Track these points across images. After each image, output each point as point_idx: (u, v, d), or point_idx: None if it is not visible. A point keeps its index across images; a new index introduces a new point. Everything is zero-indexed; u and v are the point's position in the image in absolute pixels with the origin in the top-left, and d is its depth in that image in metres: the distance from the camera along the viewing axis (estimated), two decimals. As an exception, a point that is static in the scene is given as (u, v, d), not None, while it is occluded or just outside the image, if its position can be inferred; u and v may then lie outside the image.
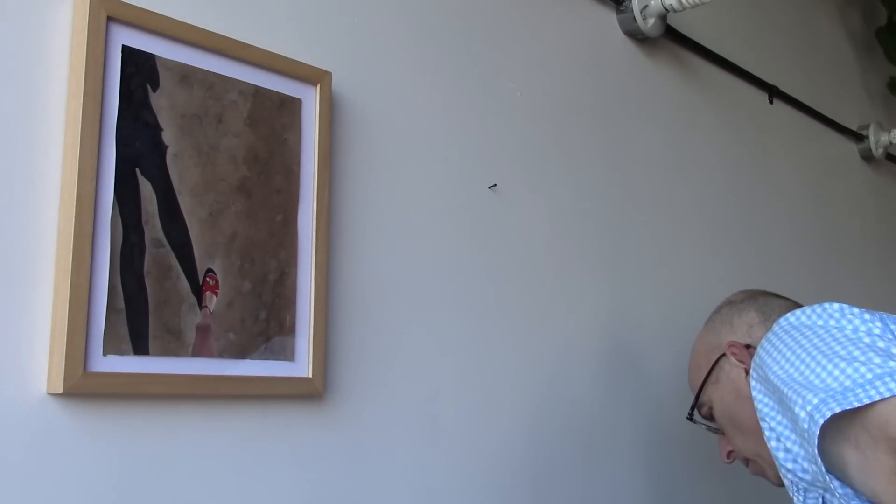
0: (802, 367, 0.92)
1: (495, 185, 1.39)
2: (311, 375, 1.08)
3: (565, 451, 1.46)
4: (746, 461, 1.23)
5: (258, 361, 1.03)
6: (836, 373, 0.88)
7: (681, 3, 1.66)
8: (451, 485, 1.26)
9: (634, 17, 1.69)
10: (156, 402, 0.95)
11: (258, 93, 1.07)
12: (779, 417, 0.97)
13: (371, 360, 1.18)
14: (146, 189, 0.95)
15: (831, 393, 0.87)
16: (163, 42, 0.98)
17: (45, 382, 0.87)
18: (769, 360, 0.98)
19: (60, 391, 0.86)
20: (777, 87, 2.21)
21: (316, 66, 1.13)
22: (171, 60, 0.99)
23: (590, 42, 1.65)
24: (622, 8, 1.69)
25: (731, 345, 1.22)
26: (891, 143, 2.61)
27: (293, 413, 1.08)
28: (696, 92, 1.93)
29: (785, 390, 0.93)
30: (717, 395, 1.23)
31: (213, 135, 1.02)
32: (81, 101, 0.90)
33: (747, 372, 1.17)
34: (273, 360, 1.05)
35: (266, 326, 1.05)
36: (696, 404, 1.26)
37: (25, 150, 0.88)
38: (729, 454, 1.24)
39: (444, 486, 1.25)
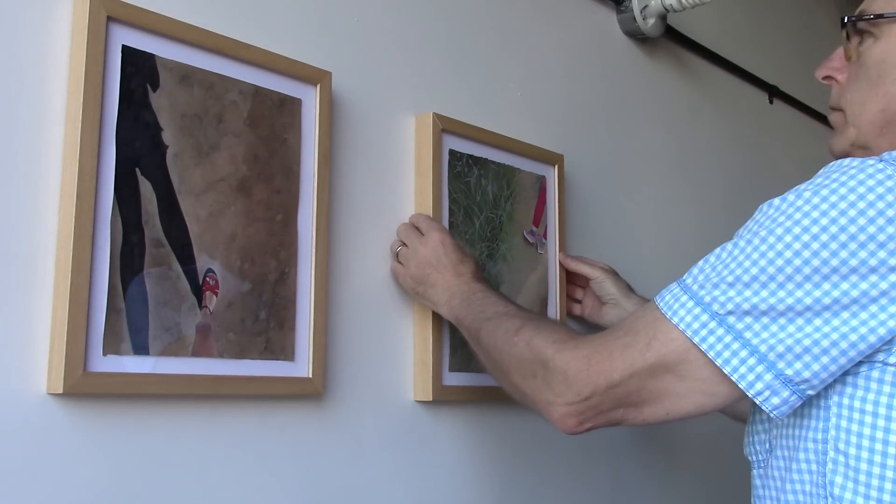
0: None
1: None
2: (311, 375, 1.08)
3: (566, 452, 1.46)
4: (833, 109, 1.06)
5: (258, 361, 1.03)
6: None
7: (681, 3, 1.66)
8: (450, 485, 1.26)
9: (634, 17, 1.69)
10: (156, 402, 0.95)
11: (258, 93, 1.07)
12: None
13: (371, 360, 1.18)
14: (146, 189, 0.95)
15: None
16: (163, 42, 0.98)
17: (45, 382, 0.87)
18: None
19: (60, 391, 0.86)
20: (777, 87, 2.21)
21: (316, 66, 1.13)
22: (171, 60, 0.99)
23: (590, 42, 1.65)
24: (622, 8, 1.69)
25: None
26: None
27: (293, 413, 1.08)
28: (696, 92, 1.93)
29: None
30: (888, 45, 0.98)
31: (213, 135, 1.02)
32: (81, 101, 0.90)
33: None
34: (273, 359, 1.05)
35: (266, 326, 1.05)
36: (857, 18, 1.00)
37: (25, 150, 0.88)
38: (826, 78, 1.05)
39: (443, 486, 1.25)
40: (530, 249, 1.41)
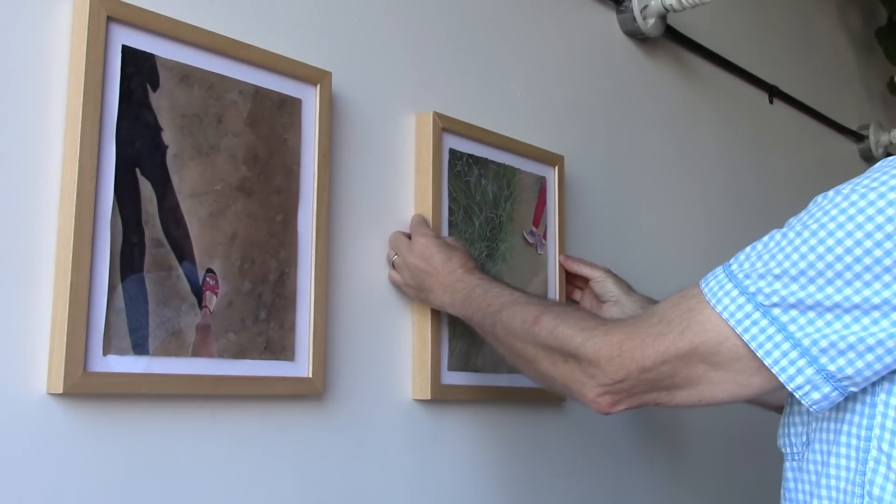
0: None
1: None
2: (311, 375, 1.08)
3: (565, 449, 1.46)
4: None
5: (258, 361, 1.03)
6: None
7: (681, 3, 1.66)
8: (450, 485, 1.26)
9: (634, 17, 1.69)
10: (156, 402, 0.95)
11: (258, 93, 1.07)
12: None
13: (371, 359, 1.18)
14: (146, 189, 0.95)
15: None
16: (163, 42, 0.98)
17: (45, 382, 0.87)
18: None
19: (60, 391, 0.86)
20: (777, 87, 2.21)
21: (316, 66, 1.13)
22: (171, 60, 0.99)
23: (590, 42, 1.65)
24: (622, 8, 1.69)
25: None
26: (891, 143, 2.61)
27: (293, 413, 1.08)
28: (696, 92, 1.93)
29: None
30: None
31: (213, 135, 1.02)
32: (81, 101, 0.90)
33: None
34: (273, 360, 1.05)
35: (266, 326, 1.05)
36: None
37: (25, 150, 0.88)
38: None
39: (443, 487, 1.25)
40: (530, 250, 1.41)
